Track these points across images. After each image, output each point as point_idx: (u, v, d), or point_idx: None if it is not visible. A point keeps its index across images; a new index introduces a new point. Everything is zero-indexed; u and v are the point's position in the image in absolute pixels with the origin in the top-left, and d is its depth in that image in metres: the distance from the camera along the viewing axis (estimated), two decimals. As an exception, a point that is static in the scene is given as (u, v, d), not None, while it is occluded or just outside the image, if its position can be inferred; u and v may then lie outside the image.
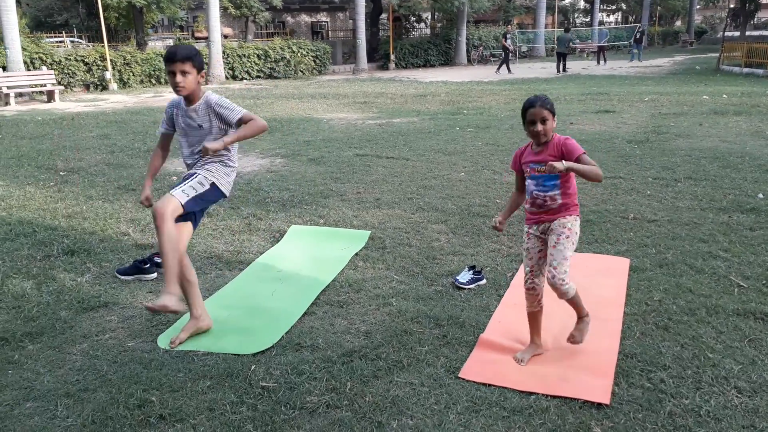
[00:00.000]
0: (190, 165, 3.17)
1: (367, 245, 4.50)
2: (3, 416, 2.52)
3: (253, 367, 2.86)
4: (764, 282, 3.61)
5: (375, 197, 5.81)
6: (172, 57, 2.96)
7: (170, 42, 27.51)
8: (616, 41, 32.45)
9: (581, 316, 2.87)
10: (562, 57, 22.69)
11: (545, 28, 34.89)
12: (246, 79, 23.26)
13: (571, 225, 2.74)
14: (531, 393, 2.59)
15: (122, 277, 4.01)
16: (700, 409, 2.43)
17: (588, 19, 45.08)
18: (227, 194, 3.19)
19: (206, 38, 22.66)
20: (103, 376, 2.81)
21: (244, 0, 26.58)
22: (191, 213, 3.11)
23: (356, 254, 4.32)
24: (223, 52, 22.26)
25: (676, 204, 5.25)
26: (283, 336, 3.16)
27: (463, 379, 2.72)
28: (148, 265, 4.05)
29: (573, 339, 2.88)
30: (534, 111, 2.68)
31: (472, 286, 3.70)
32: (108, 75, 19.72)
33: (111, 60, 19.85)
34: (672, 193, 5.59)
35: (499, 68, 23.96)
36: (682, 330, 3.07)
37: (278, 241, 4.69)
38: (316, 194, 5.96)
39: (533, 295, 2.87)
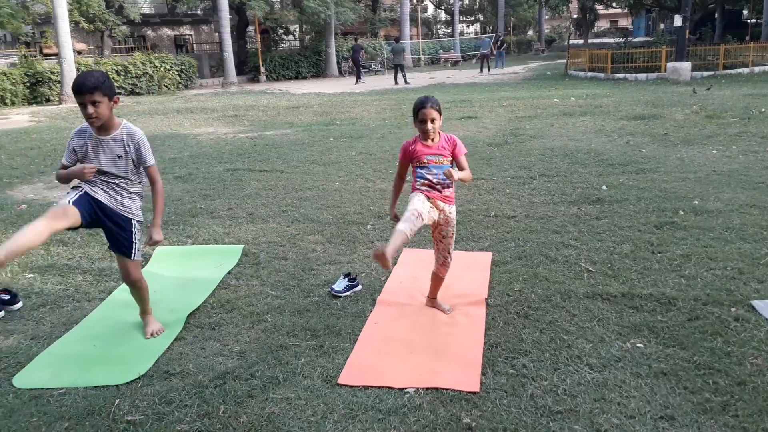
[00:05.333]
0: (98, 186, 3.08)
1: (240, 262, 4.39)
2: None
3: (117, 401, 2.68)
4: (609, 266, 3.98)
5: (248, 212, 5.68)
6: (80, 89, 2.87)
7: (14, 59, 25.12)
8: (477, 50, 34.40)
9: (435, 297, 3.52)
10: (399, 68, 23.03)
11: (410, 39, 36.17)
12: (105, 96, 21.80)
13: (455, 215, 3.32)
14: (406, 391, 2.66)
15: (-39, 321, 3.59)
16: (557, 389, 2.63)
17: (449, 30, 47.39)
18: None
19: (56, 55, 20.99)
20: (-61, 434, 2.50)
21: (97, 14, 24.93)
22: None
23: (229, 272, 4.20)
24: (77, 69, 20.70)
25: (532, 200, 5.66)
26: (149, 366, 2.99)
27: (342, 385, 2.73)
28: (-8, 304, 3.67)
29: (449, 310, 3.46)
30: (425, 111, 3.10)
31: (348, 293, 3.74)
32: (-60, 97, 17.65)
33: (-58, 80, 17.78)
34: (528, 190, 6.02)
35: (358, 79, 24.66)
36: (540, 316, 3.31)
37: (143, 266, 4.44)
38: (183, 213, 5.72)
39: (415, 222, 2.98)
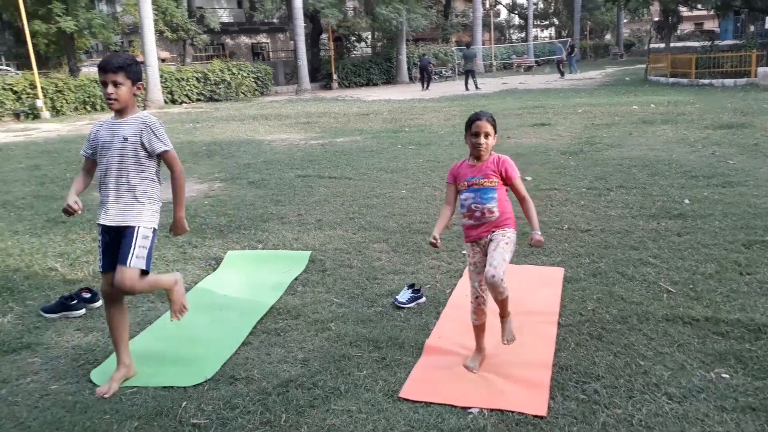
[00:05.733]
0: (108, 187, 2.89)
1: (307, 268, 4.43)
2: None
3: (184, 403, 2.74)
4: (691, 286, 3.73)
5: (316, 218, 5.75)
6: (104, 66, 2.80)
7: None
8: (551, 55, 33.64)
9: (504, 316, 2.96)
10: (470, 74, 22.77)
11: (482, 44, 35.79)
12: (185, 102, 22.84)
13: (510, 235, 2.86)
14: (469, 411, 2.58)
15: (47, 315, 3.80)
16: (632, 419, 2.47)
17: (523, 35, 46.57)
18: None
19: (142, 63, 22.18)
20: (22, 424, 2.64)
21: (180, 23, 26.18)
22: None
23: (296, 278, 4.25)
24: (161, 76, 21.83)
25: (608, 213, 5.41)
26: (216, 369, 3.05)
27: (404, 399, 2.68)
28: (75, 301, 3.86)
29: (508, 341, 2.96)
30: (480, 124, 2.84)
31: (411, 305, 3.69)
32: (39, 103, 18.99)
33: (42, 87, 19.14)
34: (604, 203, 5.76)
35: (425, 86, 24.52)
36: (614, 339, 3.14)
37: (215, 269, 4.57)
38: (255, 218, 5.85)
39: (482, 308, 2.93)
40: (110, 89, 2.79)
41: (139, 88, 2.90)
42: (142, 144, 2.87)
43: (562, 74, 26.88)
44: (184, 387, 2.89)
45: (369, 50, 35.55)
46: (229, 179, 7.88)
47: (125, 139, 2.85)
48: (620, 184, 6.45)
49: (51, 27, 21.77)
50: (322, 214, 5.91)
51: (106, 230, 2.94)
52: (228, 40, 36.87)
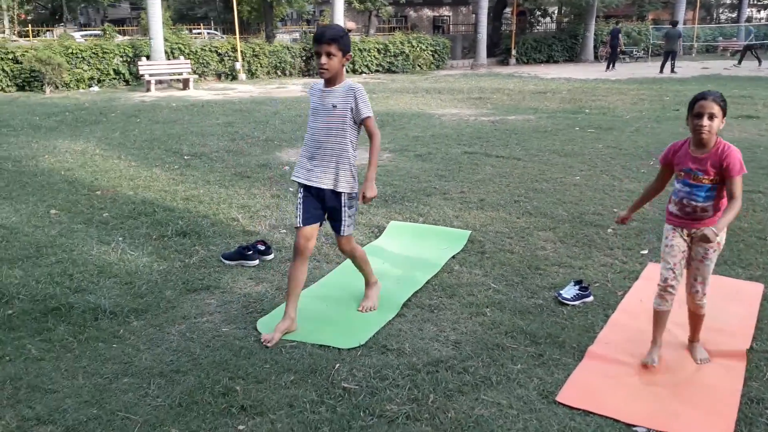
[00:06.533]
0: (313, 149, 3.12)
1: (465, 248, 4.33)
2: (102, 388, 2.66)
3: (337, 365, 2.81)
4: None
5: (479, 197, 5.60)
6: (319, 38, 2.95)
7: (296, 36, 28.59)
8: (765, 39, 29.26)
9: (695, 340, 2.89)
10: (670, 55, 20.49)
11: (684, 24, 32.26)
12: (365, 72, 23.63)
13: (720, 238, 2.65)
14: (634, 429, 2.32)
15: (226, 262, 4.14)
16: (843, 478, 2.05)
17: (735, 15, 41.18)
18: None
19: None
20: (195, 360, 2.89)
21: (368, -6, 27.03)
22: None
23: (453, 257, 4.17)
24: (344, 46, 22.74)
25: (828, 226, 4.57)
26: (370, 336, 3.09)
27: (560, 403, 2.50)
28: (251, 252, 4.15)
29: (702, 361, 2.82)
30: (704, 103, 2.57)
31: (576, 302, 3.42)
32: (238, 66, 20.84)
33: (241, 51, 20.96)
34: (824, 214, 4.88)
35: (610, 65, 22.62)
36: (825, 377, 2.63)
37: (377, 236, 4.65)
38: (418, 191, 5.86)
39: (669, 294, 2.75)
40: (323, 59, 2.95)
41: (347, 59, 3.03)
42: (351, 110, 3.04)
43: (760, 61, 23.21)
44: (339, 349, 2.97)
45: (553, 26, 33.84)
46: (397, 150, 7.99)
47: (334, 106, 3.04)
48: None
49: (254, -4, 23.71)
50: (486, 193, 5.74)
51: (306, 188, 3.16)
52: (411, 13, 37.40)
